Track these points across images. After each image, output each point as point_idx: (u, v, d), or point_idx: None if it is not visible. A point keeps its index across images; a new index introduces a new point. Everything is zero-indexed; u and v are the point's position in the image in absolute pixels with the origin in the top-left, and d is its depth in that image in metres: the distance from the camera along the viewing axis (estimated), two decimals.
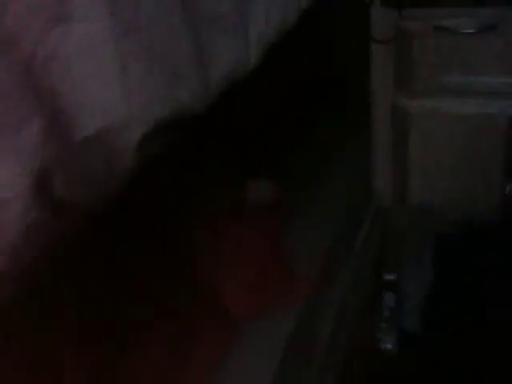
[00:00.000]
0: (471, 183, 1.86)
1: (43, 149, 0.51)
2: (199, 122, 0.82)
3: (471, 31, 1.69)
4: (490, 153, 1.82)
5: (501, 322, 1.71)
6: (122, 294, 0.99)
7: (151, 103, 0.65)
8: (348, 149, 1.93)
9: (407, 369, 1.66)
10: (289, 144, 1.86)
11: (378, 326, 1.80)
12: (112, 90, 0.60)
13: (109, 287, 0.95)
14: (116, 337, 1.00)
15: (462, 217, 1.86)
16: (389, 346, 1.74)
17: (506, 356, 1.64)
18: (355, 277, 1.67)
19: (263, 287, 1.28)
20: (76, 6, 0.55)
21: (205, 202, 1.25)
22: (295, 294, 1.32)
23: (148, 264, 1.12)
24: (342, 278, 1.58)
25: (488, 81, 1.75)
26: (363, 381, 1.62)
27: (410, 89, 1.82)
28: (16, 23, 0.50)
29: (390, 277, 1.76)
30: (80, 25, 0.57)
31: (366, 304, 1.70)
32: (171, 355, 1.09)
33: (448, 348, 1.70)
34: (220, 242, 1.26)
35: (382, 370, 1.67)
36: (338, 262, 1.61)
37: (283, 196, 1.66)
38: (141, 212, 1.03)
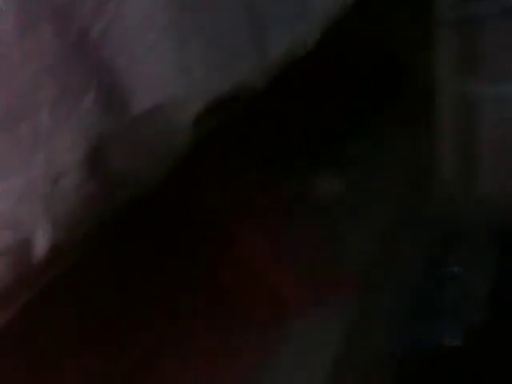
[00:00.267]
0: None
1: (99, 120, 0.51)
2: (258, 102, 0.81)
3: None
4: None
5: None
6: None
7: (211, 78, 0.64)
8: (410, 138, 1.88)
9: (472, 364, 1.60)
10: (349, 132, 1.82)
11: (441, 321, 1.74)
12: (171, 64, 0.59)
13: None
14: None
15: None
16: (453, 342, 1.68)
17: None
18: (414, 269, 1.62)
19: (314, 279, 1.26)
20: None
21: (257, 189, 1.23)
22: (347, 287, 1.29)
23: (196, 246, 1.12)
24: (399, 269, 1.54)
25: None
26: (426, 376, 1.57)
27: (478, 74, 1.74)
28: None
29: (452, 270, 1.70)
30: None
31: (426, 298, 1.65)
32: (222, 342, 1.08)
33: None
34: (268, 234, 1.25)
35: (445, 366, 1.62)
36: (396, 253, 1.57)
37: (342, 184, 1.64)
38: (192, 192, 1.03)
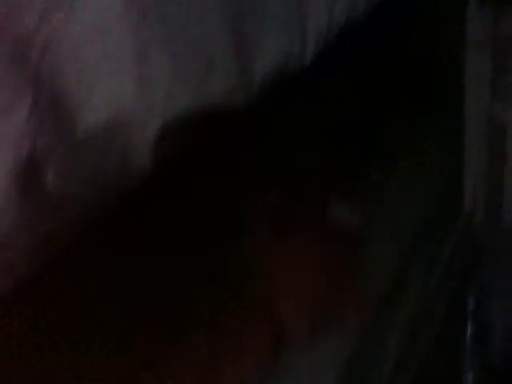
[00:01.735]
0: None
1: (34, 138, 0.47)
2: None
3: None
4: None
5: None
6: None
7: (175, 93, 0.60)
8: (438, 162, 1.81)
9: None
10: (374, 156, 1.76)
11: (459, 358, 1.65)
12: (126, 77, 0.55)
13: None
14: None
15: None
16: (470, 381, 1.58)
17: None
18: (432, 301, 1.54)
19: (321, 303, 1.20)
20: None
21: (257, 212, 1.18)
22: (355, 315, 1.22)
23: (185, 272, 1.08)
24: (415, 300, 1.46)
25: None
26: None
27: (508, 99, 1.66)
28: (11, 6, 0.46)
29: (472, 302, 1.61)
30: (92, 5, 0.52)
31: (445, 333, 1.56)
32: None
33: None
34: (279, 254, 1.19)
35: None
36: (412, 283, 1.49)
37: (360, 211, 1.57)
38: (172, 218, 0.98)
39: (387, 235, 1.54)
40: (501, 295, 1.63)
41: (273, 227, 1.24)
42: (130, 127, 0.56)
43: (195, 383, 0.99)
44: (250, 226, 1.17)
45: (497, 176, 1.76)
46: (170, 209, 0.97)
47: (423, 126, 1.85)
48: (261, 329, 1.13)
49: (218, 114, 0.66)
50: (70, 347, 0.79)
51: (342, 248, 1.39)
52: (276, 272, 1.19)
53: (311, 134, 1.44)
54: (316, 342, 1.17)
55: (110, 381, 0.83)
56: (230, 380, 1.00)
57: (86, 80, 0.52)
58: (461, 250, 1.74)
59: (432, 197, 1.72)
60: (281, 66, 0.77)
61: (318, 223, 1.42)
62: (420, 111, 1.86)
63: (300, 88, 1.04)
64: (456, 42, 1.64)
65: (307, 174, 1.37)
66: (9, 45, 0.46)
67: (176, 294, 1.00)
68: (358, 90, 1.58)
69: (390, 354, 1.32)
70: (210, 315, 1.07)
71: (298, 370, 1.14)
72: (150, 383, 0.91)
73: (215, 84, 0.65)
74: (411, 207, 1.65)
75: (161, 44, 0.58)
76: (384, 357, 1.33)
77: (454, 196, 1.82)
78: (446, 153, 1.79)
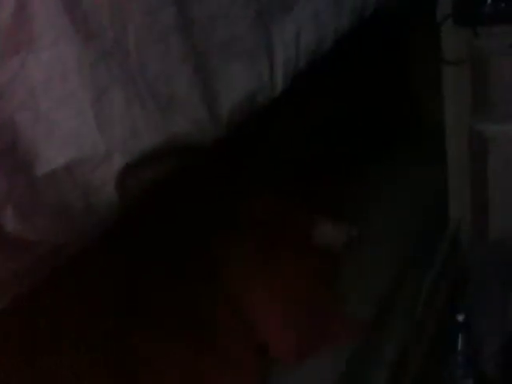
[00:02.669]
0: None
1: None
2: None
3: None
4: None
5: None
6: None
7: (136, 132, 0.61)
8: (422, 176, 1.82)
9: None
10: (359, 171, 1.78)
11: (452, 370, 1.64)
12: (85, 119, 0.56)
13: None
14: None
15: None
16: None
17: None
18: (422, 315, 1.54)
19: (310, 326, 1.20)
20: (42, 32, 0.52)
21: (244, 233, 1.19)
22: (346, 335, 1.23)
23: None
24: (405, 314, 1.46)
25: None
26: None
27: (488, 113, 1.67)
28: None
29: (463, 317, 1.61)
30: (48, 51, 0.54)
31: (436, 347, 1.56)
32: None
33: None
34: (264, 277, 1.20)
35: None
36: (402, 298, 1.50)
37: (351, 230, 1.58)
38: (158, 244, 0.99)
39: (376, 252, 1.55)
40: (490, 306, 1.63)
41: (258, 250, 1.25)
42: (91, 167, 0.57)
43: None
44: (231, 254, 1.18)
45: (480, 189, 1.77)
46: (141, 242, 0.98)
47: (407, 143, 1.88)
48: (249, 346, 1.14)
49: (185, 149, 0.67)
50: None
51: (327, 267, 1.41)
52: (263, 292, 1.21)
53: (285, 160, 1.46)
54: (304, 362, 1.18)
55: None
56: None
57: (42, 125, 0.53)
58: (449, 264, 1.75)
59: (419, 213, 1.73)
60: (249, 99, 0.78)
61: (304, 243, 1.43)
62: (403, 127, 1.89)
63: (273, 118, 1.06)
64: (434, 59, 1.65)
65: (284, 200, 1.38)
66: None
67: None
68: (336, 112, 1.60)
69: (383, 371, 1.32)
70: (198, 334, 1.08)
71: None
72: None
73: (179, 119, 0.67)
74: (399, 225, 1.66)
75: (120, 85, 0.59)
76: (377, 374, 1.33)
77: (440, 211, 1.83)
78: (431, 168, 1.81)
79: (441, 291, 1.66)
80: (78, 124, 0.56)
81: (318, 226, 1.51)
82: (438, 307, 1.65)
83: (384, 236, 1.62)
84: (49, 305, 0.88)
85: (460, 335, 1.63)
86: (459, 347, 1.65)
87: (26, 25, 0.51)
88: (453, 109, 1.72)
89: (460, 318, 1.63)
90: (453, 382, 1.62)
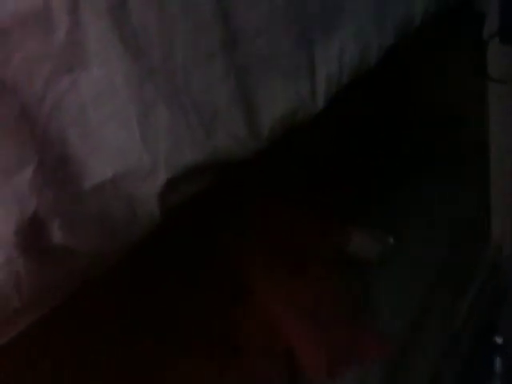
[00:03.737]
0: None
1: (39, 194, 0.50)
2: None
3: None
4: None
5: None
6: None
7: (180, 147, 0.62)
8: (464, 195, 1.80)
9: None
10: (397, 186, 1.76)
11: None
12: (131, 134, 0.58)
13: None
14: None
15: None
16: None
17: None
18: (458, 335, 1.51)
19: (340, 341, 1.19)
20: (91, 52, 0.54)
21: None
22: (376, 351, 1.21)
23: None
24: (440, 332, 1.44)
25: None
26: None
27: None
28: (18, 73, 0.49)
29: (501, 340, 1.57)
30: (98, 68, 0.55)
31: (471, 369, 1.53)
32: None
33: None
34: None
35: None
36: (437, 318, 1.47)
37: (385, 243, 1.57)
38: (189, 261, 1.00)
39: (411, 270, 1.53)
40: None
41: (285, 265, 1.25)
42: (136, 180, 0.59)
43: None
44: (261, 263, 1.18)
45: None
46: (179, 256, 0.99)
47: (447, 160, 1.85)
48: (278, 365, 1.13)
49: (225, 164, 0.68)
50: None
51: (358, 280, 1.39)
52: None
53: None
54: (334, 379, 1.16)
55: None
56: None
57: (91, 139, 0.55)
58: (488, 285, 1.71)
59: (459, 232, 1.71)
60: (290, 115, 0.79)
61: (334, 255, 1.42)
62: (445, 146, 1.86)
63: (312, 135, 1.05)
64: (478, 78, 1.63)
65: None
66: (17, 108, 0.50)
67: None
68: (377, 131, 1.59)
69: None
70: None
71: None
72: None
73: (221, 135, 0.68)
74: (436, 240, 1.64)
75: (166, 101, 0.61)
76: None
77: (481, 231, 1.79)
78: (473, 187, 1.78)
79: (479, 311, 1.62)
80: (125, 138, 0.57)
81: (351, 237, 1.50)
82: (476, 328, 1.62)
83: (419, 251, 1.60)
84: (83, 311, 0.90)
85: (497, 358, 1.60)
86: (497, 370, 1.61)
87: (79, 43, 0.53)
88: (497, 127, 1.69)
89: (499, 340, 1.60)
90: None
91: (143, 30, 0.59)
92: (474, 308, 1.63)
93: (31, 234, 0.49)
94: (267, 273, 1.19)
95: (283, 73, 0.77)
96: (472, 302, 1.63)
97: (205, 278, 1.10)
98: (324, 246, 1.41)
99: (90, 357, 0.92)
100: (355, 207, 1.58)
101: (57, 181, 0.52)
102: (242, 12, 0.72)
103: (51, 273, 0.52)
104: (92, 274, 0.58)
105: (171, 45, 0.62)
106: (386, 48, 0.98)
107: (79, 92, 0.53)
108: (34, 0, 0.50)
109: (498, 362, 1.57)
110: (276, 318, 1.15)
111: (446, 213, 1.73)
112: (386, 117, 1.70)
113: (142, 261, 0.96)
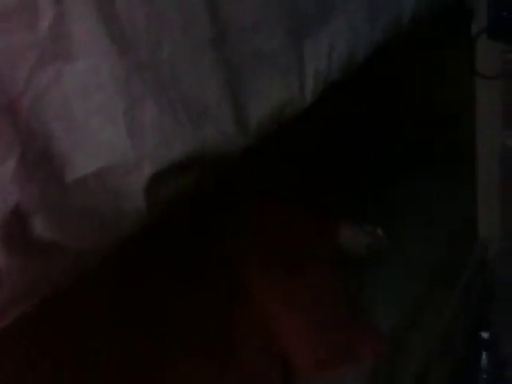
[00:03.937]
0: None
1: (21, 188, 0.49)
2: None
3: None
4: None
5: None
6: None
7: (167, 142, 0.62)
8: (451, 192, 1.80)
9: None
10: (388, 184, 1.77)
11: None
12: (117, 127, 0.57)
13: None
14: None
15: None
16: None
17: None
18: (447, 331, 1.52)
19: (333, 339, 1.19)
20: (75, 43, 0.53)
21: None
22: (369, 350, 1.21)
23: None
24: (430, 330, 1.44)
25: None
26: None
27: None
28: (0, 63, 0.48)
29: (488, 335, 1.58)
30: (83, 61, 0.55)
31: (460, 364, 1.54)
32: None
33: None
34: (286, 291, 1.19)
35: None
36: (428, 314, 1.48)
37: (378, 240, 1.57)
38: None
39: (402, 266, 1.53)
40: None
41: (280, 264, 1.24)
42: (121, 175, 0.58)
43: None
44: (257, 263, 1.18)
45: (511, 206, 1.75)
46: (166, 253, 0.99)
47: (441, 158, 1.85)
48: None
49: (213, 159, 0.68)
50: None
51: (351, 280, 1.39)
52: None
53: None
54: (326, 377, 1.16)
55: None
56: None
57: (76, 133, 0.54)
58: (476, 281, 1.72)
59: (446, 228, 1.71)
60: (278, 111, 0.79)
61: (328, 254, 1.42)
62: (442, 145, 1.86)
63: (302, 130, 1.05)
64: (466, 71, 1.64)
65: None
66: None
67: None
68: (366, 127, 1.59)
69: None
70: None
71: None
72: None
73: (209, 131, 0.67)
74: (425, 240, 1.64)
75: (153, 95, 0.60)
76: None
77: (468, 227, 1.80)
78: (460, 184, 1.79)
79: (467, 308, 1.63)
80: (111, 133, 0.57)
81: (340, 231, 1.50)
82: (464, 324, 1.63)
83: (410, 250, 1.60)
84: (74, 306, 0.89)
85: (484, 353, 1.61)
86: (483, 366, 1.62)
87: (64, 35, 0.52)
88: (485, 123, 1.70)
89: (485, 335, 1.61)
90: None
91: (131, 24, 0.59)
92: (462, 305, 1.64)
93: (13, 228, 0.48)
94: (264, 272, 1.19)
95: (272, 68, 0.77)
96: (460, 299, 1.64)
97: (201, 277, 1.10)
98: (320, 246, 1.41)
99: (87, 357, 0.92)
100: (352, 206, 1.58)
101: (40, 174, 0.51)
102: (231, 7, 0.71)
103: (36, 267, 0.51)
104: (81, 268, 0.58)
105: (159, 39, 0.61)
106: (375, 45, 0.98)
107: (63, 85, 0.53)
108: None
109: (484, 357, 1.58)
110: (272, 317, 1.15)
111: (443, 211, 1.74)
112: (383, 115, 1.70)
113: (139, 260, 0.96)
